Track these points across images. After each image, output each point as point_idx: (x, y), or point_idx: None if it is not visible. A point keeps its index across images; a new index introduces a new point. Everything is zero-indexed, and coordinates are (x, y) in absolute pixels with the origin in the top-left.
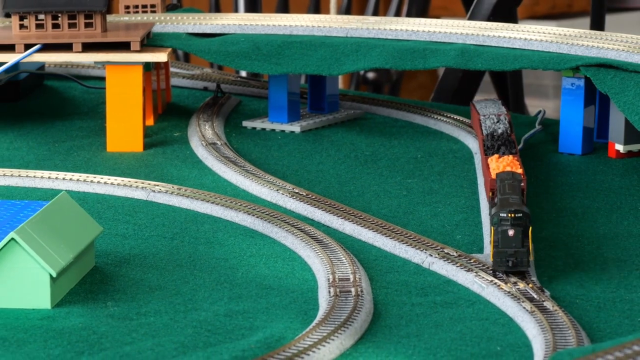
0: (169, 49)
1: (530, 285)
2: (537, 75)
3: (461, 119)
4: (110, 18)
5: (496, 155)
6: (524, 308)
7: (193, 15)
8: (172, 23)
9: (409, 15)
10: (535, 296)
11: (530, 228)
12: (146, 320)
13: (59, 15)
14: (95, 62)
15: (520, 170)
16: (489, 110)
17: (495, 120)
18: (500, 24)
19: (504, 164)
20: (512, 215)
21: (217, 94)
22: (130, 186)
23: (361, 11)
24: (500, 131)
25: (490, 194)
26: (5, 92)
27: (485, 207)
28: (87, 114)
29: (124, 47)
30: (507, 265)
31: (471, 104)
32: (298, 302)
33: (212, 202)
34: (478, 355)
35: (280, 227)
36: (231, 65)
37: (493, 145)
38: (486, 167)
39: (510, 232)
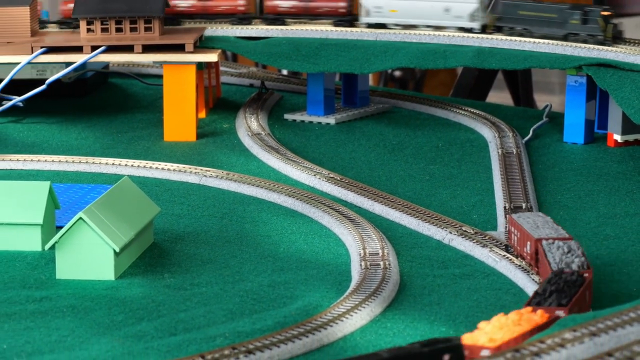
0: (219, 50)
1: None
2: (545, 74)
3: (477, 112)
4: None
5: None
6: (533, 279)
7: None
8: (221, 28)
9: None
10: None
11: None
12: (199, 290)
13: (122, 20)
14: (154, 62)
15: None
16: (557, 242)
17: (566, 251)
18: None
19: None
20: None
21: (261, 90)
22: (185, 172)
23: None
24: (575, 267)
25: None
26: (74, 88)
27: (499, 190)
28: (146, 107)
29: (179, 48)
30: None
31: (509, 218)
32: (333, 274)
33: (257, 186)
34: None
35: (317, 207)
36: (274, 65)
37: None
38: None
39: None
